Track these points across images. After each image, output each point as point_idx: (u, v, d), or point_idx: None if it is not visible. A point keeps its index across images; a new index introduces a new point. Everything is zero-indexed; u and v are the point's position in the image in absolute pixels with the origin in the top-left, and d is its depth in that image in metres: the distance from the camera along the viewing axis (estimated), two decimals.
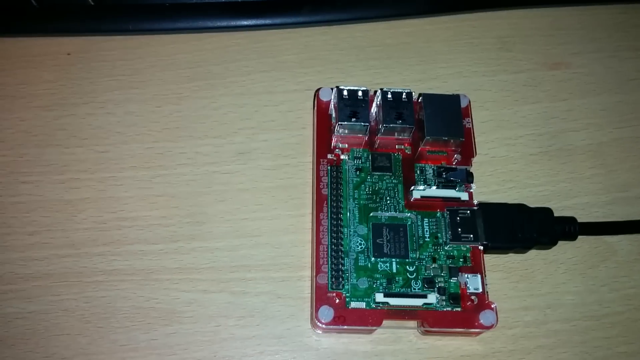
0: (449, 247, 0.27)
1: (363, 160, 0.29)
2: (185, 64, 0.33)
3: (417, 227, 0.28)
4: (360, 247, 0.27)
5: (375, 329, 0.26)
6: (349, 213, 0.28)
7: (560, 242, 0.28)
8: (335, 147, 0.29)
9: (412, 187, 0.28)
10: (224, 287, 0.28)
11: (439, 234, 0.28)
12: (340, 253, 0.27)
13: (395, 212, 0.28)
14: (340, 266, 0.26)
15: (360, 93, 0.29)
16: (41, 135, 0.31)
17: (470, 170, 0.29)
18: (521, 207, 0.28)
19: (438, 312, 0.26)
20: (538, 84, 0.34)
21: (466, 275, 0.27)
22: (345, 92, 0.29)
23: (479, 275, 0.27)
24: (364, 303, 0.26)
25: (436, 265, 0.27)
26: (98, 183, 0.30)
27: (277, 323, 0.28)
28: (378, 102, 0.29)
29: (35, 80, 0.32)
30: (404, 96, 0.29)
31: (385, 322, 0.26)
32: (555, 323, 0.28)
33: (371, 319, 0.26)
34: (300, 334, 0.27)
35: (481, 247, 0.27)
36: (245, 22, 0.33)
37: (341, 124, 0.28)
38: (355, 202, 0.28)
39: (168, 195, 0.30)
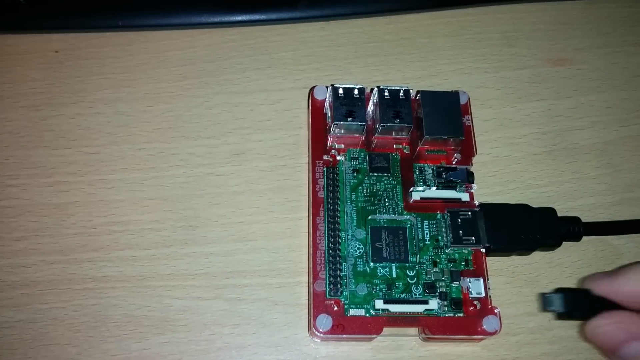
0: (450, 250, 0.27)
1: (360, 161, 0.29)
2: (178, 61, 0.33)
3: (416, 229, 0.27)
4: (358, 251, 0.27)
5: (375, 337, 0.26)
6: (347, 216, 0.27)
7: (564, 245, 0.28)
8: (331, 148, 0.29)
9: (411, 189, 0.28)
10: (219, 293, 0.28)
11: (439, 237, 0.27)
12: (338, 258, 0.26)
13: (394, 214, 0.28)
14: (338, 272, 0.26)
15: (356, 91, 0.28)
16: (28, 137, 0.30)
17: (471, 170, 0.28)
18: (524, 207, 0.28)
19: (440, 318, 0.26)
20: (542, 81, 0.33)
21: (468, 280, 0.26)
22: (340, 91, 0.28)
23: (482, 279, 0.26)
24: (364, 310, 0.26)
25: (437, 270, 0.27)
26: (87, 186, 0.29)
27: (274, 331, 0.27)
28: (375, 101, 0.29)
29: (22, 79, 0.32)
30: (401, 94, 0.28)
31: (385, 330, 0.25)
32: (561, 329, 0.28)
33: (371, 326, 0.25)
34: (298, 342, 0.27)
35: (483, 250, 0.27)
36: (239, 18, 0.33)
37: (337, 124, 0.28)
38: (353, 204, 0.28)
39: (160, 199, 0.29)
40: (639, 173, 0.31)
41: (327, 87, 0.29)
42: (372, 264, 0.26)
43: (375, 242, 0.27)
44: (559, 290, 0.25)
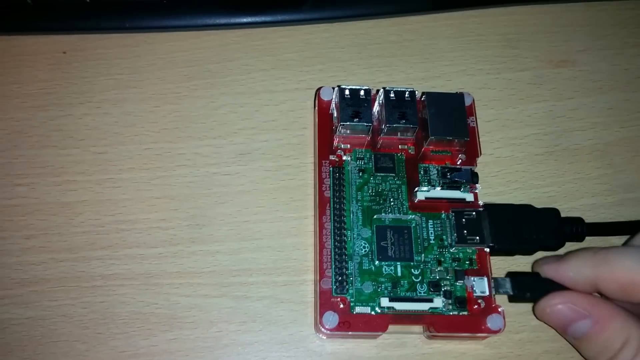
0: (455, 249, 0.28)
1: (366, 161, 0.29)
2: (184, 62, 0.33)
3: (421, 229, 0.28)
4: (364, 250, 0.27)
5: (381, 334, 0.27)
6: (352, 215, 0.28)
7: (567, 245, 0.28)
8: (337, 148, 0.29)
9: (416, 188, 0.28)
10: (226, 291, 0.28)
11: (444, 236, 0.28)
12: (344, 257, 0.27)
13: (399, 213, 0.28)
14: (344, 270, 0.27)
15: (362, 92, 0.29)
16: (36, 136, 0.31)
17: (475, 171, 0.29)
18: (528, 207, 0.28)
19: (444, 316, 0.26)
20: (543, 82, 0.34)
21: (472, 278, 0.27)
22: (347, 92, 0.29)
23: (486, 278, 0.27)
24: (369, 308, 0.26)
25: (442, 268, 0.27)
26: (95, 185, 0.30)
27: (280, 328, 0.28)
28: (380, 102, 0.29)
29: (30, 80, 0.32)
30: (406, 95, 0.29)
31: (390, 327, 0.26)
32: None
33: (377, 324, 0.26)
34: (304, 340, 0.28)
35: (487, 249, 0.28)
36: (245, 20, 0.33)
37: (343, 124, 0.28)
38: (359, 204, 0.28)
39: (167, 198, 0.30)
40: (639, 174, 0.32)
41: (333, 88, 0.30)
42: (377, 262, 0.27)
43: (380, 241, 0.27)
44: (509, 274, 0.27)
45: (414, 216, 0.28)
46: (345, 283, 0.26)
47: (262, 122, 0.32)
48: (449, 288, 0.27)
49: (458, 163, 0.29)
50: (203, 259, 0.29)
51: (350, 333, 0.26)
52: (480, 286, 0.27)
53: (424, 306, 0.26)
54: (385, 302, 0.26)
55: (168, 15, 0.33)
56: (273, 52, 0.34)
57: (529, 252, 0.28)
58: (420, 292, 0.27)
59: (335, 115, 0.29)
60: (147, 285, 0.28)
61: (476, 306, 0.27)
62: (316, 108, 0.30)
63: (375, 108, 0.29)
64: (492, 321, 0.26)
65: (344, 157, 0.29)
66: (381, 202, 0.28)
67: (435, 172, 0.29)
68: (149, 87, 0.32)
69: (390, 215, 0.28)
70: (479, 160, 0.30)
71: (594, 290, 0.25)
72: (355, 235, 0.27)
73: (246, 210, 0.30)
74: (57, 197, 0.30)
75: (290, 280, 0.29)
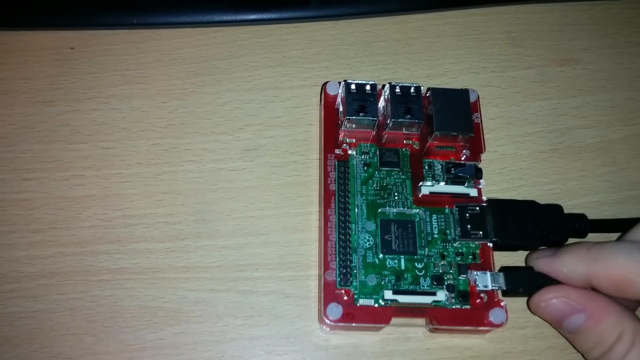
0: (458, 243, 0.28)
1: (371, 156, 0.30)
2: (191, 58, 0.34)
3: (425, 223, 0.29)
4: (368, 243, 0.28)
5: (384, 327, 0.27)
6: (357, 209, 0.28)
7: (570, 241, 0.29)
8: (342, 142, 0.30)
9: (421, 183, 0.29)
10: (232, 286, 0.29)
11: (447, 231, 0.28)
12: (348, 249, 0.27)
13: (404, 208, 0.29)
14: (348, 263, 0.27)
15: (368, 87, 0.29)
16: (44, 131, 0.32)
17: (479, 166, 0.29)
18: (531, 203, 0.29)
19: (447, 309, 0.27)
20: (547, 80, 0.34)
21: (475, 273, 0.27)
22: (353, 86, 0.29)
23: (489, 273, 0.27)
24: (373, 300, 0.27)
25: (445, 262, 0.28)
26: (103, 180, 0.31)
27: (286, 323, 0.28)
28: (386, 97, 0.30)
29: (37, 75, 0.33)
30: (412, 90, 0.30)
31: (393, 320, 0.27)
32: None
33: (380, 316, 0.27)
34: (309, 334, 0.28)
35: (490, 244, 0.28)
36: (251, 17, 0.34)
37: (349, 119, 0.29)
38: (363, 197, 0.29)
39: (174, 193, 0.30)
40: None
41: (339, 83, 0.30)
42: (381, 255, 0.28)
43: (384, 234, 0.28)
44: (502, 269, 0.27)
45: (418, 210, 0.29)
46: (349, 275, 0.27)
47: (268, 119, 0.32)
48: (452, 282, 0.27)
49: (462, 159, 0.30)
50: (209, 253, 0.29)
51: (353, 325, 0.27)
52: (483, 280, 0.27)
53: (427, 299, 0.27)
54: (388, 294, 0.27)
55: (175, 12, 0.34)
56: (279, 49, 0.34)
57: (532, 248, 0.29)
58: (423, 286, 0.27)
59: (341, 109, 0.30)
60: (154, 279, 0.29)
61: (479, 300, 0.27)
62: (322, 102, 0.31)
63: (381, 103, 0.30)
64: (494, 315, 0.27)
65: (349, 152, 0.30)
66: (386, 196, 0.29)
67: (440, 167, 0.30)
68: (155, 83, 0.33)
69: (395, 210, 0.29)
70: (483, 157, 0.30)
71: (587, 286, 0.26)
72: (359, 229, 0.28)
73: (252, 205, 0.30)
74: (65, 191, 0.30)
75: (296, 275, 0.29)
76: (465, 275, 0.28)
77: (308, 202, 0.31)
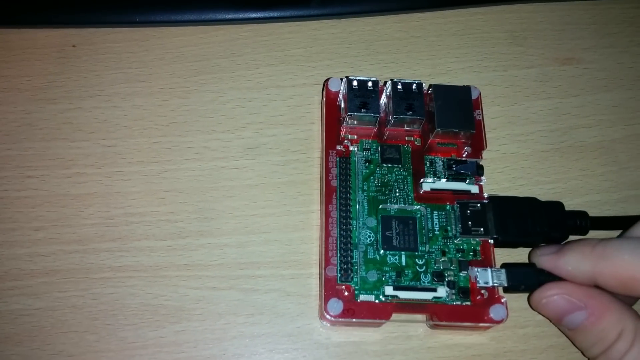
0: (459, 240, 0.29)
1: (372, 152, 0.30)
2: (192, 57, 0.34)
3: (426, 219, 0.29)
4: (369, 239, 0.29)
5: (384, 322, 0.28)
6: (358, 205, 0.29)
7: (571, 238, 0.29)
8: (344, 139, 0.30)
9: (422, 180, 0.30)
10: (233, 284, 0.29)
11: (448, 227, 0.29)
12: (349, 245, 0.28)
13: (405, 204, 0.29)
14: (349, 258, 0.28)
15: (370, 84, 0.30)
16: (47, 129, 0.32)
17: (481, 163, 0.30)
18: (532, 200, 0.29)
19: (447, 305, 0.27)
20: (549, 80, 0.35)
21: (476, 269, 0.28)
22: (355, 83, 0.30)
23: (489, 269, 0.28)
24: (373, 296, 0.27)
25: (446, 259, 0.28)
26: (105, 178, 0.31)
27: (287, 321, 0.29)
28: (388, 93, 0.30)
29: (40, 73, 0.34)
30: (414, 87, 0.30)
31: (394, 316, 0.27)
32: None
33: (380, 312, 0.27)
34: (310, 332, 0.29)
35: (491, 241, 0.29)
36: (253, 15, 0.35)
37: (350, 115, 0.29)
38: (364, 194, 0.29)
39: (176, 191, 0.31)
40: None
41: (341, 79, 0.31)
42: (382, 251, 0.28)
43: (385, 230, 0.28)
44: (503, 266, 0.28)
45: (419, 207, 0.29)
46: (350, 271, 0.27)
47: (270, 117, 0.33)
48: (452, 278, 0.28)
49: (464, 155, 0.30)
50: (211, 251, 0.30)
51: (354, 320, 0.27)
52: (483, 277, 0.28)
53: (427, 295, 0.27)
54: (389, 290, 0.27)
55: (177, 10, 0.34)
56: (281, 47, 0.35)
57: (533, 245, 0.29)
58: (424, 282, 0.28)
59: (342, 106, 0.30)
60: (156, 277, 0.29)
61: (479, 296, 0.28)
62: (324, 99, 0.31)
63: (383, 99, 0.31)
64: (494, 311, 0.27)
65: (351, 148, 0.30)
66: (387, 192, 0.29)
67: (441, 164, 0.30)
68: (157, 81, 0.34)
69: (396, 206, 0.29)
70: (485, 156, 0.31)
71: (591, 284, 0.26)
72: (360, 225, 0.29)
73: (254, 204, 0.31)
74: (67, 189, 0.31)
75: (298, 273, 0.30)
76: (466, 272, 0.28)
77: (310, 200, 0.31)
